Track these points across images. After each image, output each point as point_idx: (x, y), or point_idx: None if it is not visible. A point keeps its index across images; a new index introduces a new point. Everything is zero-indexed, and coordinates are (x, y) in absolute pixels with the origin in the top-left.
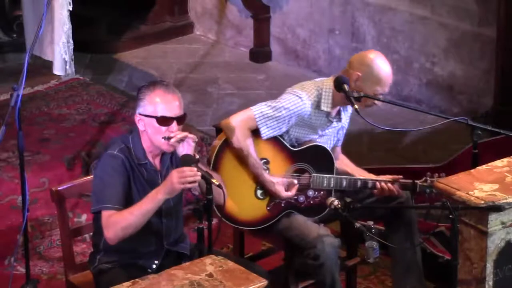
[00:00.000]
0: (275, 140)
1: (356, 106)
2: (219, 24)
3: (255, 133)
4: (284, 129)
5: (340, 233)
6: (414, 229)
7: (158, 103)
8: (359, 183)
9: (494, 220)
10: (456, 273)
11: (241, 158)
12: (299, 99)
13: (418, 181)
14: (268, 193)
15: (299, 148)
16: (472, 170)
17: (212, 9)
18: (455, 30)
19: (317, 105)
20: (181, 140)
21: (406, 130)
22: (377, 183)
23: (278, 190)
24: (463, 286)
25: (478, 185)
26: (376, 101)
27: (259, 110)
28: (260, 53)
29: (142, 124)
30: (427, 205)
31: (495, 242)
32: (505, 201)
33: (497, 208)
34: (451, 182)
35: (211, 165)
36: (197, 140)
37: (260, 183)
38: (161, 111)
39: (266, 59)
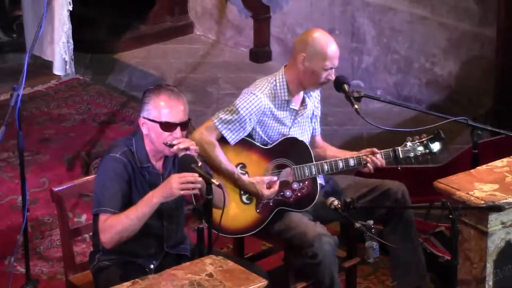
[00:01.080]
0: (247, 143)
1: (356, 106)
2: (219, 24)
3: (224, 141)
4: (248, 129)
5: (340, 233)
6: (412, 229)
7: (163, 108)
8: (340, 164)
9: (494, 220)
10: (456, 273)
11: (215, 169)
12: (253, 95)
13: (399, 147)
14: (253, 196)
15: (272, 145)
16: (472, 170)
17: (212, 9)
18: (455, 30)
19: (274, 97)
20: (184, 149)
21: (406, 130)
22: (363, 158)
23: (259, 189)
24: (463, 286)
25: (478, 185)
26: (329, 76)
27: (217, 117)
28: (260, 53)
29: (146, 127)
30: (427, 205)
31: (495, 242)
32: (505, 201)
33: (497, 208)
34: (451, 182)
35: None
36: (198, 151)
37: (240, 188)
38: (165, 117)
39: (266, 59)
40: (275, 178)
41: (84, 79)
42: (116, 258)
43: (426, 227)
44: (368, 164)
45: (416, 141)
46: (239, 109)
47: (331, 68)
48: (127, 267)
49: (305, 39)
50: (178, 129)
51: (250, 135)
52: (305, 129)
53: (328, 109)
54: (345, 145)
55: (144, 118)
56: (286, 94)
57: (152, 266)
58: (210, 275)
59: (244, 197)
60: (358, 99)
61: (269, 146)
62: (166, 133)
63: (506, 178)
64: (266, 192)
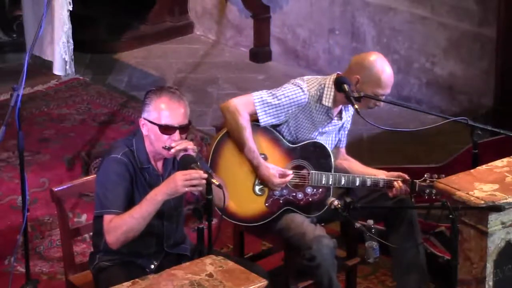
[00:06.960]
0: (274, 136)
1: (356, 106)
2: (219, 24)
3: (254, 128)
4: (282, 118)
5: (340, 233)
6: (415, 228)
7: (163, 110)
8: (357, 181)
9: (494, 220)
10: (456, 273)
11: (239, 145)
12: (299, 89)
13: (417, 181)
14: (266, 188)
15: (298, 145)
16: (472, 170)
17: (212, 9)
18: (455, 30)
19: (318, 99)
20: (182, 150)
21: (406, 130)
22: (381, 181)
23: (272, 174)
24: (463, 286)
25: (478, 185)
26: (378, 103)
27: (259, 95)
28: (260, 53)
29: (146, 129)
30: (427, 205)
31: (495, 242)
32: (505, 201)
33: (497, 208)
34: (451, 182)
35: (209, 160)
36: (197, 151)
37: (255, 168)
38: (165, 119)
39: (266, 59)
40: (289, 172)
41: (84, 79)
42: (116, 258)
43: (426, 227)
44: (394, 189)
45: (435, 180)
46: (283, 96)
47: (383, 95)
48: (128, 267)
49: (363, 62)
50: (177, 132)
51: (279, 130)
52: (331, 138)
53: None
54: (345, 145)
55: (144, 119)
56: (330, 102)
57: (152, 266)
58: (210, 275)
59: (257, 188)
60: (358, 99)
61: (295, 145)
62: (165, 136)
63: (506, 178)
64: (276, 180)
